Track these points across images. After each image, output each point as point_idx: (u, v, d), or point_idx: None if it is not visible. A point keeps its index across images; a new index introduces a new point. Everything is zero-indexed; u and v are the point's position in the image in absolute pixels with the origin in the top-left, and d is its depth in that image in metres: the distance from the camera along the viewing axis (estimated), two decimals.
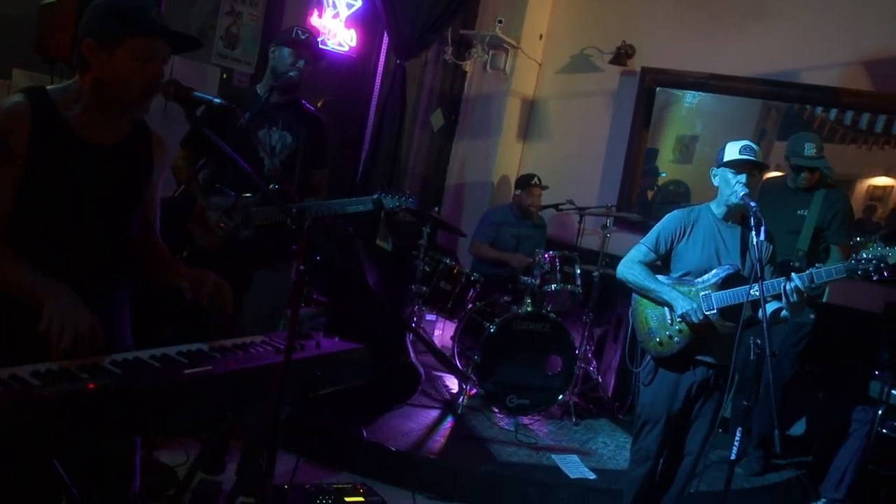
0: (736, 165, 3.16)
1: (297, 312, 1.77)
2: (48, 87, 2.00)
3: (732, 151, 3.18)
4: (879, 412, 4.43)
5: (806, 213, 4.32)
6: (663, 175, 6.28)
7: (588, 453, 4.40)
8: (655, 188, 6.30)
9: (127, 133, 2.10)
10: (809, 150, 4.27)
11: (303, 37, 3.30)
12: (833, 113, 5.54)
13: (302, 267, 1.76)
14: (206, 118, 3.28)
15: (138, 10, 1.95)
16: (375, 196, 3.38)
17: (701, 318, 3.13)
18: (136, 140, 2.12)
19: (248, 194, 3.27)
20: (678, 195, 6.13)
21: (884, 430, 4.46)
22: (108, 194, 2.03)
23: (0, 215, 1.89)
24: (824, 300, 5.20)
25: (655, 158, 6.31)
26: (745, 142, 3.19)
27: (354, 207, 3.35)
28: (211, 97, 2.00)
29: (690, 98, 6.10)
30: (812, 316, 4.37)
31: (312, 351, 2.09)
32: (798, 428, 5.22)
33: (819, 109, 5.58)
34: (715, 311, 3.14)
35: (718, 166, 3.25)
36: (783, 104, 5.73)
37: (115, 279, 2.16)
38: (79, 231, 2.00)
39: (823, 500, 4.51)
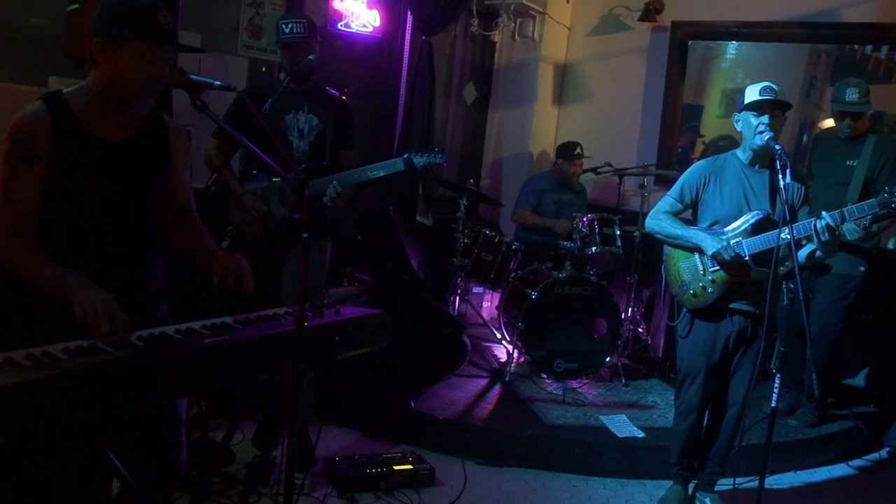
0: (757, 107, 3.09)
1: (306, 277, 1.84)
2: (64, 91, 2.12)
3: (752, 93, 3.11)
4: None
5: (856, 164, 4.15)
6: (702, 136, 6.17)
7: (637, 411, 4.40)
8: (703, 145, 6.18)
9: (141, 127, 2.20)
10: (851, 94, 4.10)
11: (287, 33, 3.32)
12: (884, 51, 5.33)
13: (306, 235, 1.83)
14: (234, 109, 3.43)
15: (145, 13, 2.02)
16: (406, 156, 3.43)
17: (732, 255, 3.08)
18: (150, 133, 2.22)
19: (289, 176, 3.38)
20: (728, 151, 5.99)
21: None
22: (126, 187, 2.14)
23: (31, 213, 2.03)
24: (890, 247, 5.04)
25: (701, 115, 6.19)
26: (766, 82, 3.11)
27: (385, 170, 3.40)
28: (211, 80, 2.07)
29: (732, 50, 5.95)
30: (862, 268, 4.22)
31: (331, 317, 2.17)
32: (859, 379, 5.10)
33: (869, 49, 5.37)
34: (747, 257, 3.10)
35: (740, 110, 3.18)
36: (833, 49, 5.53)
37: (146, 264, 2.27)
38: (103, 223, 2.12)
39: (887, 448, 4.41)
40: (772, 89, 3.10)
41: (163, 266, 2.36)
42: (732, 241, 3.13)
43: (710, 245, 3.13)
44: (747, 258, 3.10)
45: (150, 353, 1.70)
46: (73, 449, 1.96)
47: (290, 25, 3.34)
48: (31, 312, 2.05)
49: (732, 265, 3.11)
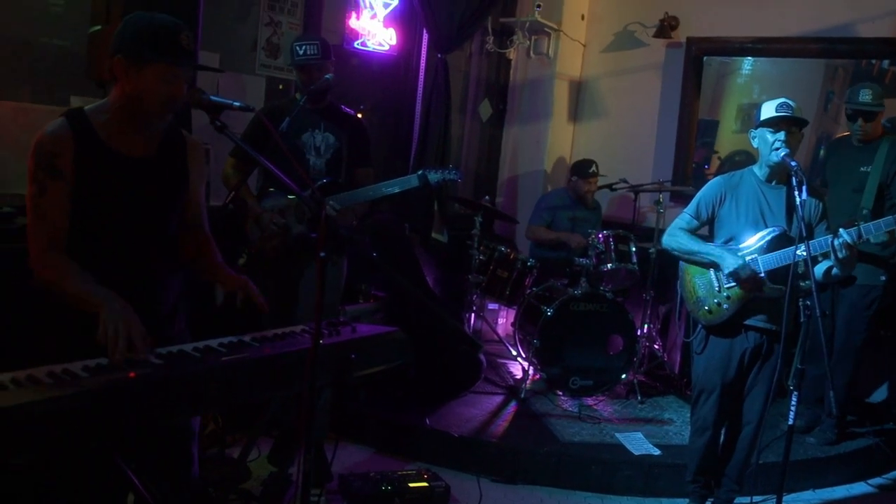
0: (773, 123, 3.09)
1: (322, 296, 1.86)
2: (86, 108, 2.16)
3: (769, 110, 3.11)
4: None
5: (870, 170, 4.14)
6: (717, 152, 6.16)
7: (654, 428, 4.38)
8: (719, 161, 6.16)
9: (160, 144, 2.23)
10: (864, 95, 4.11)
11: (301, 55, 3.38)
12: None
13: (322, 254, 1.85)
14: (252, 129, 3.48)
15: (168, 34, 2.05)
16: (420, 172, 3.47)
17: (749, 273, 3.08)
18: (169, 149, 2.26)
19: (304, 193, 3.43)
20: (744, 166, 5.97)
21: None
22: (145, 203, 2.18)
23: (60, 228, 2.07)
24: None
25: (716, 131, 6.18)
26: (782, 99, 3.11)
27: (400, 186, 3.44)
28: (230, 101, 2.11)
29: (747, 66, 5.94)
30: (883, 278, 4.19)
31: (347, 335, 2.18)
32: (879, 395, 5.04)
33: (886, 63, 5.34)
34: (762, 275, 3.09)
35: (756, 127, 3.18)
36: (849, 64, 5.51)
37: (164, 279, 2.30)
38: (122, 238, 2.15)
39: None
40: (788, 106, 3.09)
41: (181, 282, 2.39)
42: (748, 258, 3.12)
43: (728, 263, 3.13)
44: (763, 275, 3.10)
45: (168, 372, 1.72)
46: (90, 463, 1.98)
47: (304, 47, 3.39)
48: (56, 329, 2.09)
49: (749, 282, 3.10)
